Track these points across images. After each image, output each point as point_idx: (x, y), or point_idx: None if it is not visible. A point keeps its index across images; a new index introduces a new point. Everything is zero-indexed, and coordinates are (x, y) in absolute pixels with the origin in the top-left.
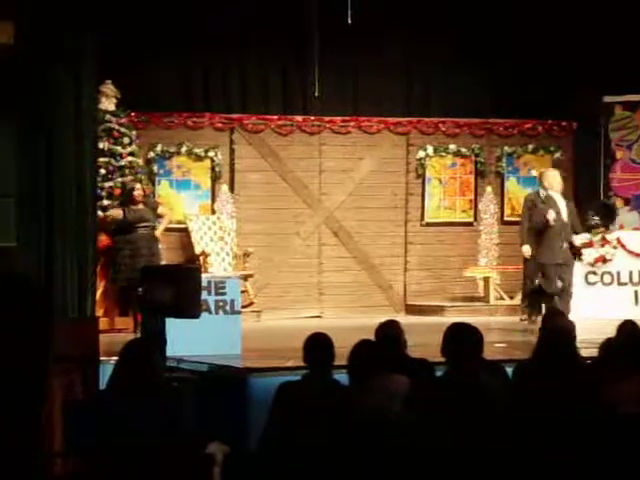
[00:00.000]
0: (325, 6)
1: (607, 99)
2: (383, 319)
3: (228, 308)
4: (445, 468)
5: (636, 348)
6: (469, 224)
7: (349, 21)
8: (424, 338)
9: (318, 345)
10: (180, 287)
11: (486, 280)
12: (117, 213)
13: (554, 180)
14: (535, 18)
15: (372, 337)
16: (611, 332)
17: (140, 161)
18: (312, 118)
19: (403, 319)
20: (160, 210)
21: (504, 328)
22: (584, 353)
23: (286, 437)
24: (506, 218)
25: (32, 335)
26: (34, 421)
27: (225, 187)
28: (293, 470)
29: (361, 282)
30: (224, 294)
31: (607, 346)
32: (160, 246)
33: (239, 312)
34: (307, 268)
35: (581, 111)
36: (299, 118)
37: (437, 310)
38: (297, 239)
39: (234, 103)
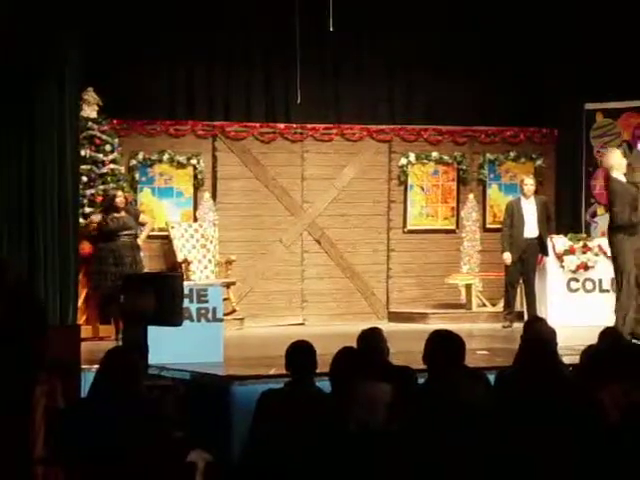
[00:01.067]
0: (307, 13)
1: (588, 106)
2: (366, 326)
3: (210, 316)
4: (428, 475)
5: (618, 355)
6: (451, 231)
7: (331, 28)
8: (407, 345)
9: (300, 353)
10: (161, 295)
11: (468, 287)
12: (96, 218)
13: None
14: (517, 25)
15: (355, 345)
16: (593, 339)
17: (122, 168)
18: (294, 125)
19: (386, 326)
20: (142, 218)
21: (486, 335)
22: (566, 360)
23: (269, 445)
24: (488, 225)
25: (26, 343)
26: (20, 427)
27: (207, 195)
28: (276, 478)
29: (344, 289)
30: (206, 302)
31: (589, 353)
32: (142, 254)
33: (221, 320)
34: (290, 275)
35: (563, 118)
36: (281, 125)
37: (419, 317)
38: (279, 246)
39: (216, 110)
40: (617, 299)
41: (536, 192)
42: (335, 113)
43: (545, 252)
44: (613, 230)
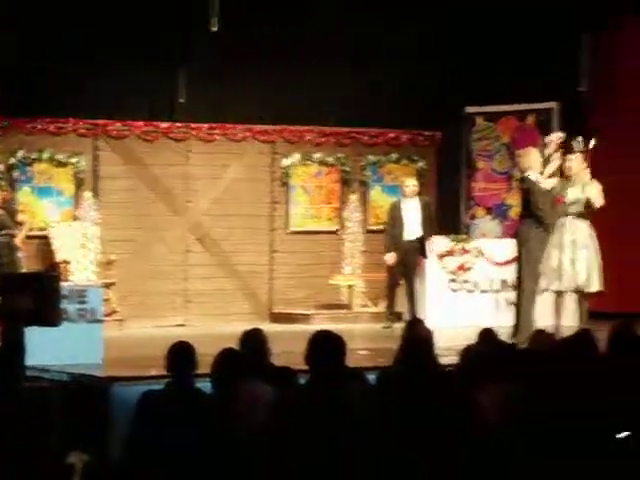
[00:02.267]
0: (191, 12)
1: (469, 110)
2: (248, 328)
3: (90, 317)
4: (309, 475)
5: (495, 355)
6: (334, 232)
7: (214, 29)
8: (289, 346)
9: (180, 353)
10: (39, 295)
11: (350, 288)
12: None
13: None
14: (402, 28)
15: (236, 346)
16: (472, 339)
17: (1, 167)
18: (178, 125)
19: (268, 327)
20: (20, 217)
21: (368, 335)
22: (445, 360)
23: (148, 446)
24: (370, 226)
25: None
26: None
27: (89, 194)
28: (155, 479)
29: (226, 290)
30: (85, 302)
31: (468, 353)
32: (20, 254)
33: (101, 321)
34: (172, 276)
35: (444, 121)
36: (165, 125)
37: (302, 318)
38: (162, 246)
39: (98, 109)
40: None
41: (418, 194)
42: (219, 113)
43: (424, 254)
44: (533, 228)
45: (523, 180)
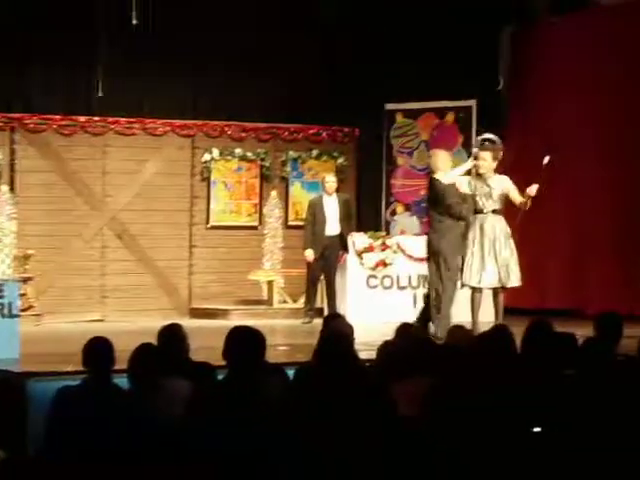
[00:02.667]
0: (110, 6)
1: (389, 106)
2: (167, 323)
3: (6, 311)
4: (232, 469)
5: (413, 350)
6: (254, 228)
7: (134, 22)
8: (208, 341)
9: (98, 349)
10: None
11: (270, 283)
12: None
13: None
14: (322, 25)
15: (154, 341)
16: (391, 334)
17: None
18: (96, 119)
19: (187, 323)
20: None
21: (287, 331)
22: (364, 355)
23: (65, 442)
24: (290, 222)
25: None
26: None
27: (5, 188)
28: (72, 474)
29: (145, 285)
30: (2, 297)
31: (385, 348)
32: None
33: (17, 315)
34: (90, 271)
35: (364, 118)
36: (82, 119)
37: (221, 313)
38: (80, 241)
39: (15, 102)
40: (439, 293)
41: (338, 190)
42: (138, 107)
43: (346, 249)
44: (444, 225)
45: (431, 181)
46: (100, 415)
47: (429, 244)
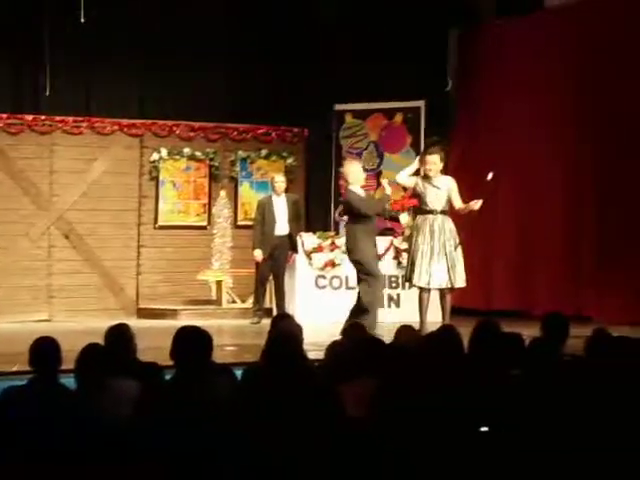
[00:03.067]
0: (58, 4)
1: (338, 107)
2: (114, 323)
3: None
4: (180, 469)
5: (361, 351)
6: (203, 227)
7: (82, 20)
8: (155, 342)
9: (44, 349)
10: None
11: (219, 283)
12: None
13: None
14: (273, 25)
15: (101, 341)
16: (338, 335)
17: None
18: (43, 117)
19: (135, 323)
20: None
21: (235, 331)
22: (313, 355)
23: (10, 442)
24: (239, 222)
25: None
26: None
27: None
28: (16, 475)
29: (92, 285)
30: None
31: (333, 349)
32: None
33: None
34: (36, 271)
35: (313, 118)
36: (29, 117)
37: (170, 314)
38: (26, 241)
39: None
40: (368, 293)
41: (287, 190)
42: (85, 106)
43: (295, 249)
44: (360, 231)
45: (345, 191)
46: (45, 415)
47: (347, 253)
